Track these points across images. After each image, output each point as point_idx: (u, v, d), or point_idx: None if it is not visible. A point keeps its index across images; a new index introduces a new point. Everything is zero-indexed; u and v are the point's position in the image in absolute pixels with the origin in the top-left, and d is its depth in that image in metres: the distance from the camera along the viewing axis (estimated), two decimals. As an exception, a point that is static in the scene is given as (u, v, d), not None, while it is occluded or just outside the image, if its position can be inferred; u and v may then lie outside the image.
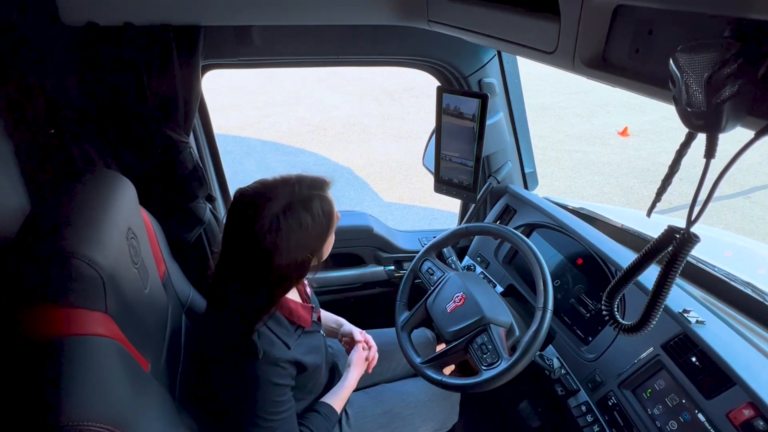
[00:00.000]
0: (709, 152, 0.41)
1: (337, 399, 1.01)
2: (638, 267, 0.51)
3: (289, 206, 0.73)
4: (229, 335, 0.79)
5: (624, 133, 5.16)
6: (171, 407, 0.75)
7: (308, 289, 1.01)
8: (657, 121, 5.53)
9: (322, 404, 0.99)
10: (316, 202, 0.76)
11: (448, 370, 1.22)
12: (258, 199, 0.74)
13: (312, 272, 0.83)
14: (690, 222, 0.44)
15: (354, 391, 1.18)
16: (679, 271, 0.46)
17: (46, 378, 0.56)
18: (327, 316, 1.23)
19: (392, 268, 1.60)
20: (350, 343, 1.17)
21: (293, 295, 0.92)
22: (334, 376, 1.09)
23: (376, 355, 1.14)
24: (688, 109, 0.39)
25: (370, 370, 1.12)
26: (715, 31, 0.40)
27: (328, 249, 0.86)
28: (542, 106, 5.99)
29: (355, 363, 1.08)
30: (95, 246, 0.63)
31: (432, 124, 1.26)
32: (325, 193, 0.80)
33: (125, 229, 0.74)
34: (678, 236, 0.45)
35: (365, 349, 1.12)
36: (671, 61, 0.39)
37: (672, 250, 0.45)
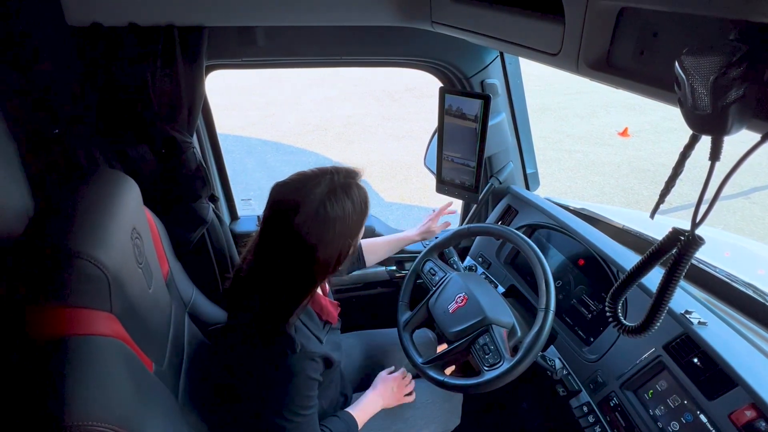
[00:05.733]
0: (714, 155, 0.41)
1: (360, 412, 1.02)
2: (642, 269, 0.51)
3: (332, 192, 0.75)
4: (265, 330, 0.79)
5: (624, 133, 5.17)
6: (174, 407, 0.76)
7: (327, 287, 1.02)
8: (657, 121, 5.54)
9: (343, 412, 1.00)
10: (354, 189, 0.79)
11: (449, 370, 1.23)
12: (301, 188, 0.75)
13: (348, 262, 0.84)
14: (695, 224, 0.44)
15: (356, 391, 1.19)
16: (684, 273, 0.46)
17: (52, 378, 0.56)
18: (379, 245, 1.26)
19: (394, 268, 1.60)
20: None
21: (319, 291, 0.93)
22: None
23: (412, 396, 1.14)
24: (694, 112, 0.40)
25: (401, 400, 1.12)
26: (721, 34, 0.40)
27: (360, 237, 0.87)
28: (543, 106, 5.99)
29: (381, 390, 1.09)
30: (100, 246, 0.63)
31: (433, 124, 1.26)
32: (359, 181, 0.83)
33: (130, 229, 0.74)
34: (683, 238, 0.45)
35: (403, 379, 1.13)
36: (677, 64, 0.39)
37: (677, 252, 0.46)
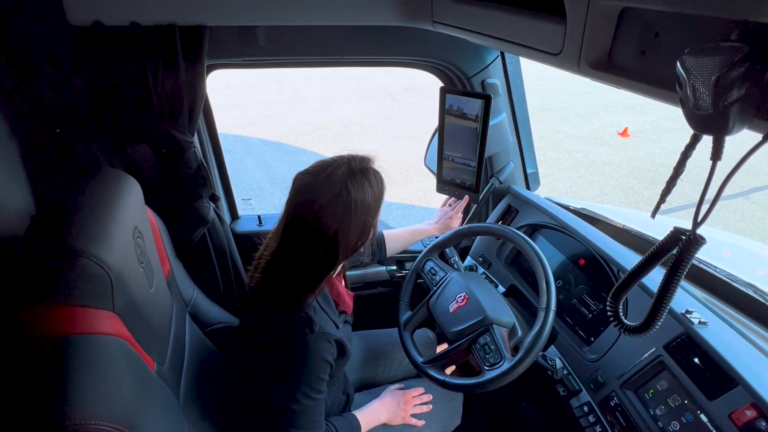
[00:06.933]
0: (716, 154, 0.41)
1: (362, 418, 1.03)
2: (644, 268, 0.51)
3: (352, 175, 0.80)
4: (286, 310, 0.82)
5: (624, 133, 5.17)
6: (176, 406, 0.76)
7: (342, 283, 1.03)
8: (657, 121, 5.54)
9: (349, 413, 1.01)
10: (371, 172, 0.84)
11: (450, 370, 1.23)
12: (321, 172, 0.80)
13: (369, 245, 0.87)
14: (696, 223, 0.44)
15: (356, 391, 1.19)
16: (685, 273, 0.46)
17: (53, 377, 0.56)
18: (400, 236, 1.29)
19: (394, 268, 1.60)
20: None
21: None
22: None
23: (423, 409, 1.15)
24: (695, 112, 0.40)
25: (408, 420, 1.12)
26: (723, 34, 0.40)
27: (378, 220, 0.90)
28: (543, 106, 6.00)
29: (387, 403, 1.09)
30: (103, 245, 0.63)
31: (433, 124, 1.26)
32: (374, 166, 0.87)
33: (132, 228, 0.74)
34: (684, 238, 0.45)
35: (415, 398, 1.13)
36: (678, 64, 0.39)
37: (678, 251, 0.46)
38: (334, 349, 0.85)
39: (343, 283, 1.02)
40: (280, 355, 0.82)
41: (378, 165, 0.87)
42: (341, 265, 0.88)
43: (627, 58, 0.54)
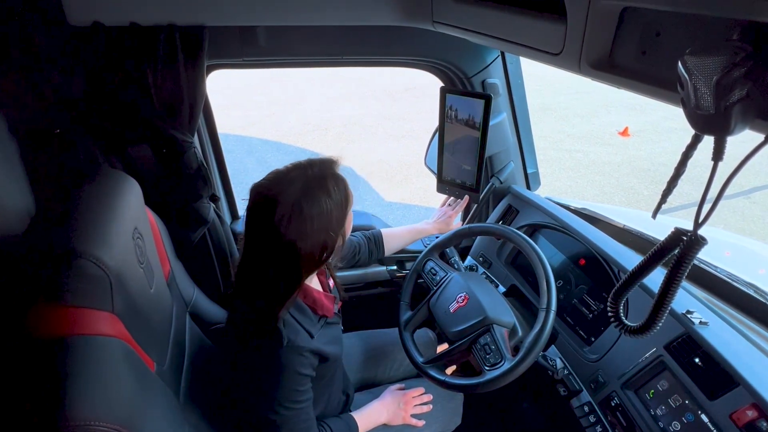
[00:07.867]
0: (717, 155, 0.41)
1: (361, 418, 1.03)
2: (645, 268, 0.51)
3: (306, 188, 0.75)
4: (255, 323, 0.80)
5: (624, 133, 5.17)
6: (176, 407, 0.76)
7: (331, 282, 1.02)
8: (657, 121, 5.54)
9: (346, 414, 1.01)
10: (331, 181, 0.78)
11: (450, 370, 1.23)
12: (275, 187, 0.75)
13: (336, 254, 0.83)
14: (697, 224, 0.44)
15: (356, 391, 1.19)
16: (686, 273, 0.46)
17: (54, 378, 0.56)
18: (398, 235, 1.27)
19: (394, 267, 1.60)
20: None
21: (315, 285, 0.93)
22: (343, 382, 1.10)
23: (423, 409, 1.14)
24: (697, 112, 0.40)
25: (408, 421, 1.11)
26: (724, 34, 0.40)
27: (349, 227, 0.86)
28: (543, 106, 5.99)
29: (387, 403, 1.09)
30: (102, 246, 0.63)
31: (433, 124, 1.26)
32: (337, 171, 0.82)
33: (131, 229, 0.74)
34: (685, 238, 0.45)
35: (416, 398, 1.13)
36: (680, 64, 0.39)
37: (679, 252, 0.46)
38: (309, 359, 0.83)
39: (332, 283, 1.01)
40: (253, 368, 0.81)
41: (341, 168, 0.82)
42: (315, 273, 0.85)
43: (628, 58, 0.54)
